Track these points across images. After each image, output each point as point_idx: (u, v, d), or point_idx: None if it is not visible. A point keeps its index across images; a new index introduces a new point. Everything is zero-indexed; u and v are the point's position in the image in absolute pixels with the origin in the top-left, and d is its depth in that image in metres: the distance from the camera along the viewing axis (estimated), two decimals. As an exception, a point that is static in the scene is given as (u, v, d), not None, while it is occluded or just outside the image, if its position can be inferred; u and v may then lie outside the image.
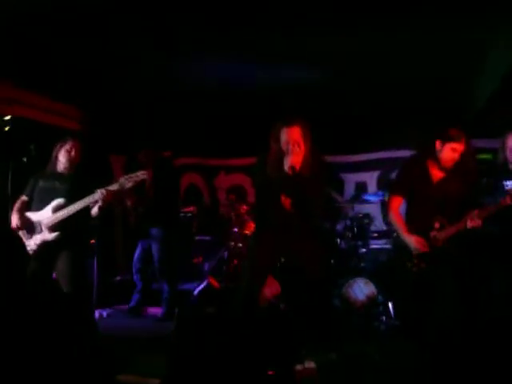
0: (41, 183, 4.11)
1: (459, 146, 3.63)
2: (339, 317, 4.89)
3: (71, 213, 3.91)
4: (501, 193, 3.73)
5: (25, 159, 4.08)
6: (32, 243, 3.98)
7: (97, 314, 5.38)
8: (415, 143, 4.71)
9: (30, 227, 4.00)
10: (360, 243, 5.40)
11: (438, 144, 3.70)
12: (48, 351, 3.21)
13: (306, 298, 3.82)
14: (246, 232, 5.66)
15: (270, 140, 3.79)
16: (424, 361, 3.49)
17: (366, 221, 5.50)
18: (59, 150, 4.15)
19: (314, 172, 3.70)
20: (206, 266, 6.26)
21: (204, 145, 7.37)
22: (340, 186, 6.98)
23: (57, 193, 4.02)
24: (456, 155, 3.65)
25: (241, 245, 5.63)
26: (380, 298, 4.96)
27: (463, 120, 5.03)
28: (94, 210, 3.99)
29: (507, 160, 3.89)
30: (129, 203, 5.50)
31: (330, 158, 6.67)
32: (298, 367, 3.29)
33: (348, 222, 5.50)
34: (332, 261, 5.30)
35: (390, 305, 4.77)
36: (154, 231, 5.38)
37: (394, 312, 4.71)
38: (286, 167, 3.68)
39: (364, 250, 5.40)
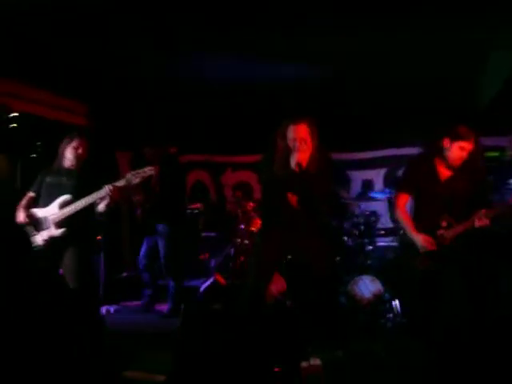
0: (48, 179, 4.12)
1: (468, 145, 3.61)
2: (345, 314, 4.88)
3: (78, 209, 3.91)
4: (508, 190, 3.71)
5: (34, 155, 4.10)
6: (39, 239, 4.00)
7: (104, 310, 5.40)
8: (422, 141, 4.70)
9: (37, 223, 4.02)
10: (366, 241, 5.38)
11: (446, 142, 3.68)
12: (53, 346, 3.23)
13: (313, 295, 3.83)
14: (253, 229, 5.66)
15: (276, 137, 3.78)
16: (430, 359, 3.48)
17: (373, 218, 5.49)
18: (66, 147, 4.15)
19: (321, 169, 3.70)
20: (213, 263, 6.26)
21: (211, 142, 7.36)
22: (347, 184, 6.97)
23: (64, 189, 4.03)
24: (464, 154, 3.62)
25: (247, 242, 5.62)
26: (386, 295, 4.95)
27: (471, 118, 5.00)
28: (101, 207, 3.99)
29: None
30: (135, 199, 5.51)
31: (336, 156, 6.66)
32: (304, 364, 3.28)
33: (354, 220, 5.49)
34: (338, 258, 5.30)
35: (394, 303, 4.75)
36: (160, 227, 5.38)
37: (400, 310, 4.70)
38: (293, 164, 3.68)
39: (370, 247, 5.38)
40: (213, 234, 6.73)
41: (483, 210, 3.52)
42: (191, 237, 6.42)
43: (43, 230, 3.99)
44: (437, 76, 5.40)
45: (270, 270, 3.93)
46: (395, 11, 3.97)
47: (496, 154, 4.81)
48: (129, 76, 5.60)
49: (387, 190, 5.79)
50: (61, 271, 4.05)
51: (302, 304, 4.32)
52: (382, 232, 5.87)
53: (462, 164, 3.66)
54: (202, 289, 5.59)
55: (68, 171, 4.13)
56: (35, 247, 4.01)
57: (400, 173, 6.14)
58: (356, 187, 6.96)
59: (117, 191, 3.90)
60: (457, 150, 3.63)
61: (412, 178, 3.87)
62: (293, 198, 3.71)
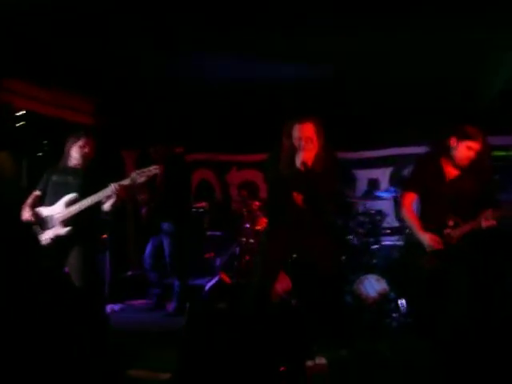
0: (54, 178, 4.13)
1: (475, 145, 3.58)
2: (351, 313, 4.87)
3: (84, 208, 3.91)
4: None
5: (40, 154, 4.11)
6: (44, 238, 4.00)
7: (109, 308, 5.41)
8: (427, 140, 4.68)
9: (43, 222, 4.02)
10: (372, 240, 5.38)
11: (453, 141, 3.65)
12: (53, 345, 3.24)
13: (318, 294, 3.82)
14: (258, 228, 5.65)
15: (282, 136, 3.78)
16: (437, 359, 3.47)
17: (379, 217, 5.48)
18: (72, 146, 4.15)
19: (327, 168, 3.69)
20: (218, 262, 6.26)
21: (216, 141, 7.36)
22: (352, 183, 6.95)
23: (70, 187, 4.03)
24: (472, 154, 3.60)
25: (252, 240, 5.62)
26: (392, 294, 4.94)
27: (476, 117, 5.00)
28: (107, 205, 3.99)
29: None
30: (140, 198, 5.52)
31: (342, 155, 6.64)
32: (309, 363, 3.29)
33: (360, 219, 5.48)
34: (344, 257, 5.29)
35: (400, 302, 4.74)
36: (166, 226, 5.39)
37: (406, 309, 4.69)
38: (298, 163, 3.67)
39: (376, 246, 5.37)
40: (218, 233, 6.72)
41: (490, 210, 3.50)
42: (196, 236, 6.42)
43: (49, 228, 3.99)
44: (437, 76, 5.39)
45: (275, 268, 3.93)
46: (395, 11, 3.96)
47: (502, 153, 4.79)
48: (134, 75, 5.61)
49: (393, 189, 5.77)
50: (66, 270, 4.06)
51: (308, 303, 4.31)
52: (388, 231, 5.85)
53: (470, 164, 3.64)
54: (207, 288, 5.59)
55: (74, 170, 4.13)
56: (41, 246, 4.02)
57: (406, 172, 6.14)
58: (362, 186, 6.94)
59: (122, 190, 3.90)
60: (464, 150, 3.60)
61: (419, 177, 3.86)
62: (298, 197, 3.70)
